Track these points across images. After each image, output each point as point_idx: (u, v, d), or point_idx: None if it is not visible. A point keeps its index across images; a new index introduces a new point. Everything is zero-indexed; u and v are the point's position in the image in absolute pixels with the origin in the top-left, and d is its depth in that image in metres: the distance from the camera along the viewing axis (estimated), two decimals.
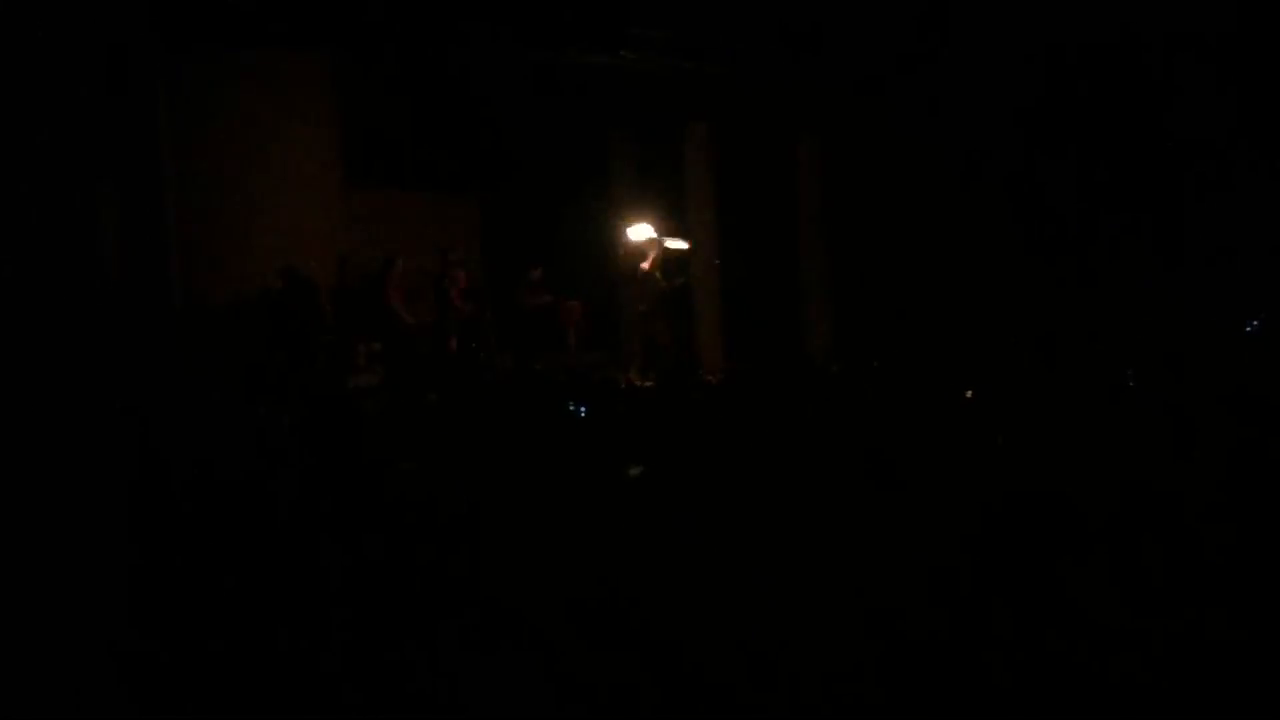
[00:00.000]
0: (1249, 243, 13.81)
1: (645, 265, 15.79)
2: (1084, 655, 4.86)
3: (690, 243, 16.44)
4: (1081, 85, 15.07)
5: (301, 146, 13.90)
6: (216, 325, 12.45)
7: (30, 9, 10.11)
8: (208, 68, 13.12)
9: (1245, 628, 4.86)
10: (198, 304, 12.64)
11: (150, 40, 12.00)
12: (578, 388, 12.51)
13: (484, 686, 5.11)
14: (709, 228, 16.70)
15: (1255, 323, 12.64)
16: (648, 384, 14.21)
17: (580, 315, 16.43)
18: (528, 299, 15.57)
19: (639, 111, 16.52)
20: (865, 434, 8.32)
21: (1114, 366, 11.28)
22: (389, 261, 14.19)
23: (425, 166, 15.99)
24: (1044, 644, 4.98)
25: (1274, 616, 4.92)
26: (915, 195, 16.03)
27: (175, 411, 8.91)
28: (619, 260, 16.13)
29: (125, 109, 11.83)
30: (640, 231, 15.79)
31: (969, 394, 10.59)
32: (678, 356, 15.30)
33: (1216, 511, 6.03)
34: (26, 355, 9.46)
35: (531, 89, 15.54)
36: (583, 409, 11.19)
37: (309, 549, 6.26)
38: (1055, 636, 5.02)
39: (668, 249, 15.83)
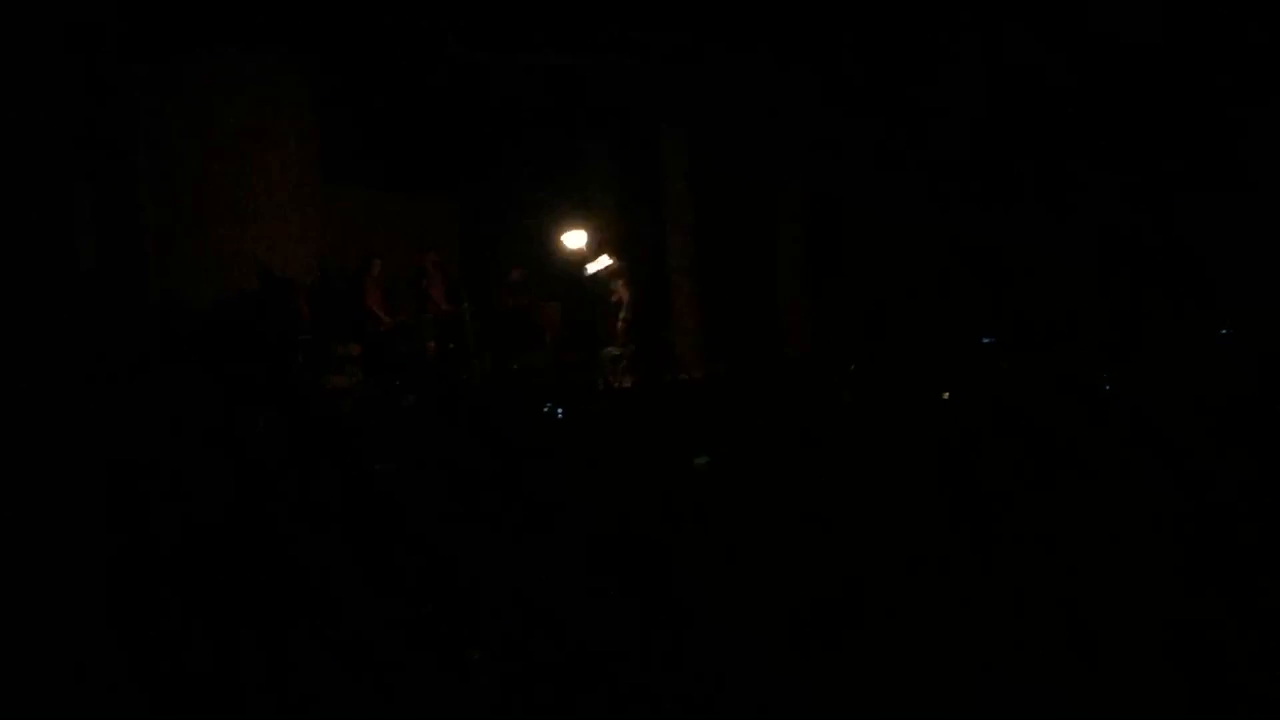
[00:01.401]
0: (1223, 249, 13.87)
1: (592, 270, 15.58)
2: None
3: (671, 244, 16.51)
4: (1059, 81, 15.10)
5: (278, 146, 13.87)
6: (193, 326, 12.41)
7: (5, 10, 10.08)
8: (184, 68, 13.09)
9: None
10: (174, 305, 12.60)
11: (126, 41, 11.96)
12: (555, 389, 12.53)
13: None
14: (687, 229, 16.73)
15: (1226, 331, 12.68)
16: (626, 385, 14.21)
17: (558, 316, 16.42)
18: (507, 300, 15.56)
19: (617, 112, 16.54)
20: (841, 434, 8.35)
21: (1091, 372, 11.32)
22: (366, 262, 14.17)
23: (403, 167, 15.98)
24: None
25: None
26: (896, 196, 16.04)
27: (149, 413, 8.88)
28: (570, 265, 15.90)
29: (101, 110, 11.79)
30: (575, 239, 15.54)
31: (945, 395, 10.61)
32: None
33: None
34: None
35: (510, 90, 15.55)
36: (560, 410, 11.19)
37: (285, 552, 6.25)
38: None
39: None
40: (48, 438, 7.66)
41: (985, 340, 14.00)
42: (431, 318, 14.48)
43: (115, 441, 7.68)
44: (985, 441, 7.76)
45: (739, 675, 5.17)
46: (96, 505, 6.49)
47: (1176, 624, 5.08)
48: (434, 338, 14.43)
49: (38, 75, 10.38)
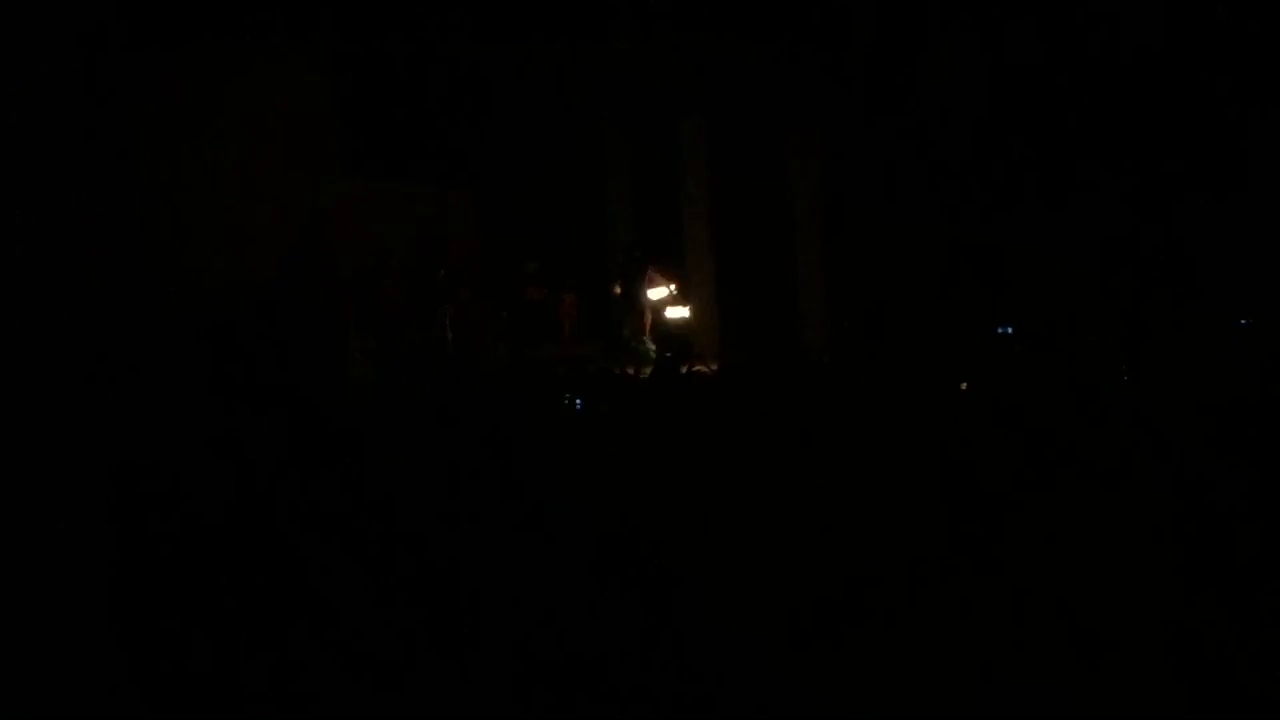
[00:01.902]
0: (1244, 238, 13.81)
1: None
2: None
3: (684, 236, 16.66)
4: (1072, 76, 15.06)
5: (296, 137, 13.90)
6: (197, 324, 12.42)
7: (6, 10, 10.10)
8: (186, 64, 13.09)
9: None
10: (186, 297, 12.61)
11: (126, 39, 11.97)
12: (574, 379, 12.49)
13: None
14: (704, 219, 16.74)
15: (1245, 321, 12.63)
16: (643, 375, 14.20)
17: (575, 308, 16.46)
18: (524, 291, 15.63)
19: (635, 103, 16.54)
20: (848, 429, 8.30)
21: (1109, 362, 11.25)
22: (385, 254, 14.19)
23: (421, 157, 15.99)
24: None
25: None
26: (909, 187, 16.01)
27: (149, 413, 8.89)
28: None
29: (101, 109, 11.80)
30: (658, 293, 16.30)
31: (963, 386, 10.55)
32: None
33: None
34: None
35: (527, 79, 15.56)
36: (579, 401, 11.16)
37: (286, 552, 6.24)
38: None
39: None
40: (48, 438, 7.68)
41: (1001, 330, 13.98)
42: (450, 309, 14.52)
43: (115, 441, 7.68)
44: (991, 439, 7.71)
45: (739, 675, 5.15)
46: (97, 505, 6.50)
47: (1177, 624, 5.04)
48: (452, 329, 14.47)
49: (38, 75, 10.40)
